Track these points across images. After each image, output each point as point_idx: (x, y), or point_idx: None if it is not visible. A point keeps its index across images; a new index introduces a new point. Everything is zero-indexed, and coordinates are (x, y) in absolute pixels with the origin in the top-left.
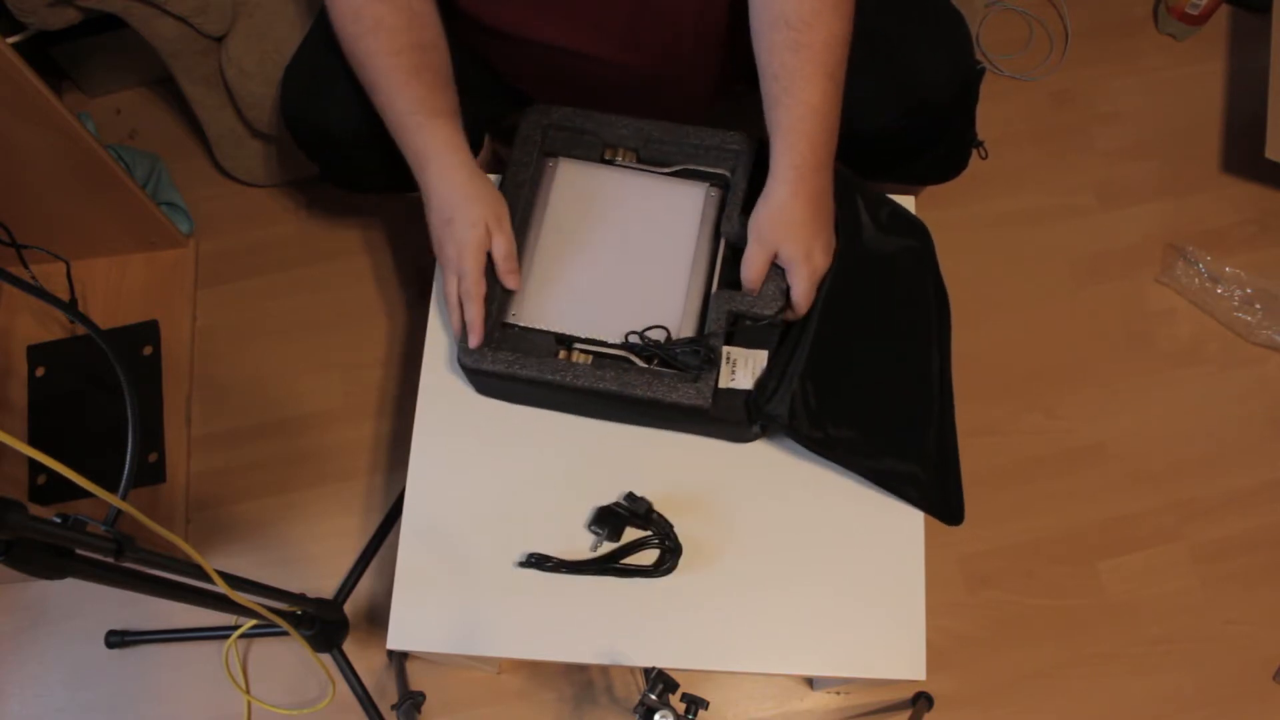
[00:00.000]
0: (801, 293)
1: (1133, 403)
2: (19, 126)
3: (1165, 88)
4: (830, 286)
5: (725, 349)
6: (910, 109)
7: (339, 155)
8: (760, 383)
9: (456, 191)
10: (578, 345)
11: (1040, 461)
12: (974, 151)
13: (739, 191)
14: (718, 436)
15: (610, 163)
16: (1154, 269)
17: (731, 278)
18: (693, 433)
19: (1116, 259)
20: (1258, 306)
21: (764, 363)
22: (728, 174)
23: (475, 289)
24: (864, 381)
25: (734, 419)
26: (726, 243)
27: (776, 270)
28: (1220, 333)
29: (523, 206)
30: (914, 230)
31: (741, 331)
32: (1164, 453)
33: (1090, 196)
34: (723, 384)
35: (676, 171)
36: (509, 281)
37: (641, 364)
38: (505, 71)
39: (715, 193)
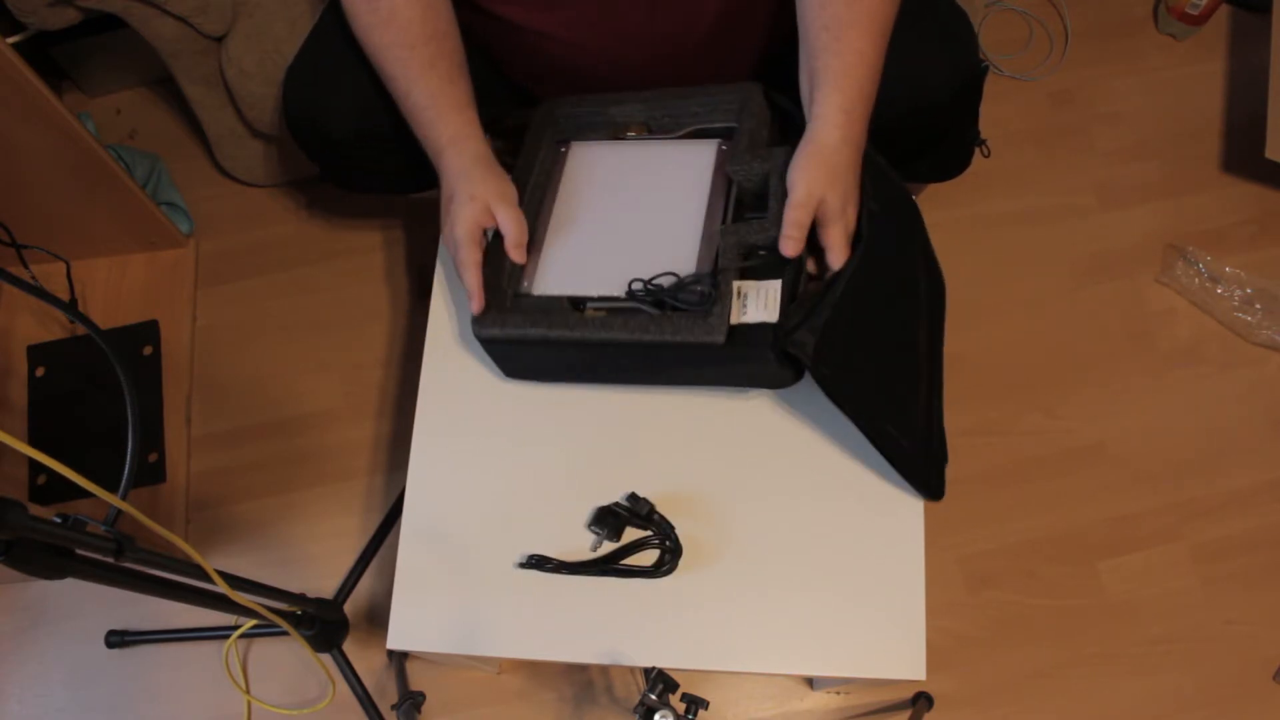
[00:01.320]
0: (838, 247)
1: (1133, 403)
2: (19, 126)
3: (1165, 88)
4: (866, 243)
5: (736, 284)
6: (913, 107)
7: (340, 155)
8: (787, 314)
9: (463, 173)
10: (591, 304)
11: (1040, 461)
12: (976, 150)
13: (744, 133)
14: (742, 383)
15: (621, 139)
16: (1154, 269)
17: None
18: (717, 382)
19: (1116, 259)
20: (1258, 306)
21: (778, 293)
22: (736, 124)
23: (469, 257)
24: (874, 343)
25: (755, 354)
26: (736, 185)
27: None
28: (1220, 333)
29: (537, 193)
30: (904, 203)
31: (754, 268)
32: (1164, 453)
33: (1090, 196)
34: (734, 319)
35: (689, 133)
36: (516, 255)
37: (654, 312)
38: (509, 65)
39: (727, 146)
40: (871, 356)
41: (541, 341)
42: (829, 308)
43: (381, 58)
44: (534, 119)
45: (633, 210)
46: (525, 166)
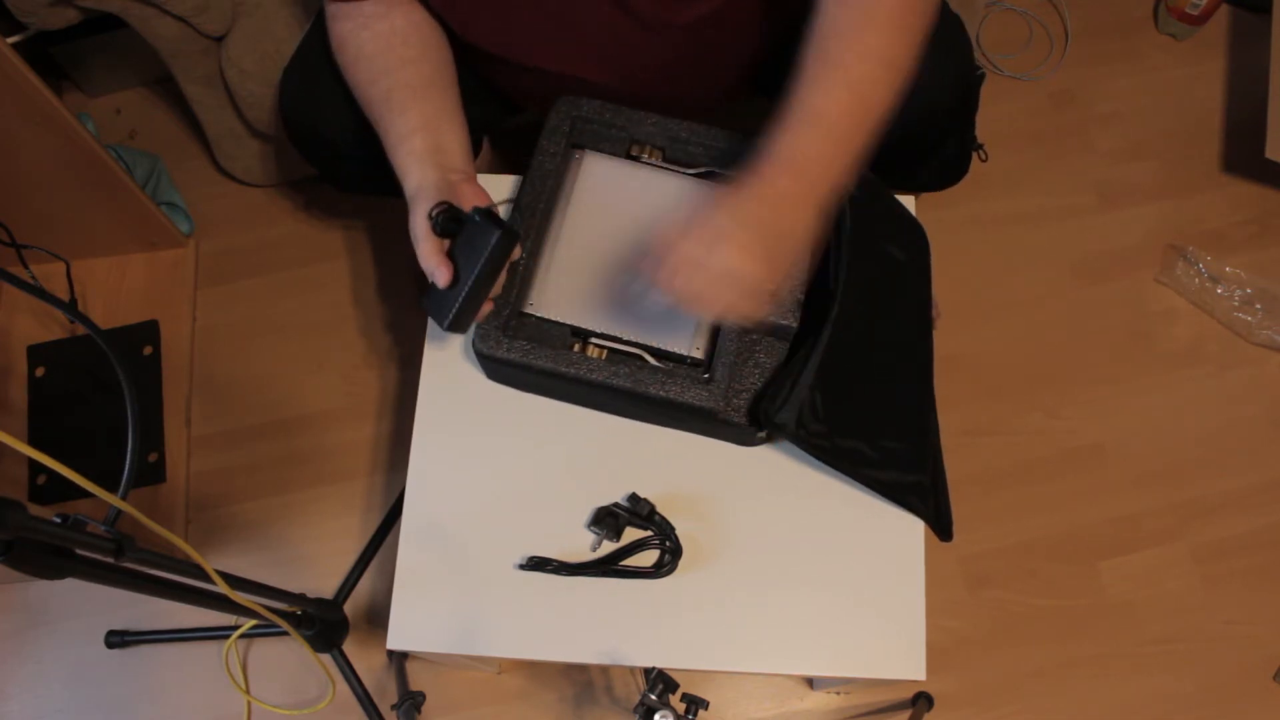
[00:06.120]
0: (665, 274)
1: (1133, 403)
2: (19, 126)
3: (1165, 88)
4: (844, 295)
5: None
6: (910, 116)
7: (336, 157)
8: (771, 391)
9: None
10: (593, 340)
11: (1040, 461)
12: (973, 154)
13: None
14: (723, 438)
15: (636, 159)
16: (1154, 269)
17: None
18: (699, 433)
19: (1116, 259)
20: (1258, 306)
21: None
22: None
23: (422, 235)
24: (870, 392)
25: (742, 423)
26: None
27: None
28: (1220, 333)
29: (547, 196)
30: (916, 240)
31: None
32: (1164, 453)
33: (1090, 196)
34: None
35: (701, 173)
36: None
37: (654, 362)
38: (504, 87)
39: None
40: (871, 405)
41: (543, 371)
42: (809, 380)
43: (355, 95)
44: (551, 115)
45: (641, 244)
46: (541, 170)
